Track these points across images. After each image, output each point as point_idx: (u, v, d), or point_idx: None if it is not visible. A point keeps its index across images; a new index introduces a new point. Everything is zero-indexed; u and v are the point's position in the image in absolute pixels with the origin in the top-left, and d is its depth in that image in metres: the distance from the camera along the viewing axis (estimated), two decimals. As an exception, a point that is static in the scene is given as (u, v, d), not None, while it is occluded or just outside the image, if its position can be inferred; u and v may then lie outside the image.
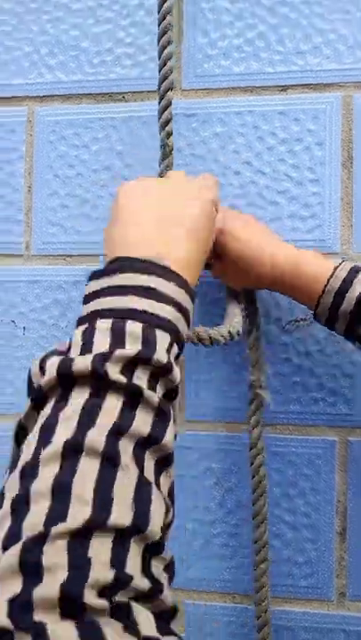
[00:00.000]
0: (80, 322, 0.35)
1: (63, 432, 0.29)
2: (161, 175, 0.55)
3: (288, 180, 0.61)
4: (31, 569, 0.25)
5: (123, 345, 0.32)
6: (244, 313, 0.55)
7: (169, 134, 0.55)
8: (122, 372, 0.31)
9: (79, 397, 0.31)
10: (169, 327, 0.35)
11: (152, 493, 0.30)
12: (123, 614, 0.25)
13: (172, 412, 0.34)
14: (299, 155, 0.61)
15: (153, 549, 0.29)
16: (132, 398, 0.31)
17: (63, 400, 0.31)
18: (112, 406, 0.31)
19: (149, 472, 0.31)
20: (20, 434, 0.33)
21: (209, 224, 0.41)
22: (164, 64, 0.54)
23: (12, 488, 0.29)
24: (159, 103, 0.55)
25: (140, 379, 0.32)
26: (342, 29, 0.60)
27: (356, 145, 0.59)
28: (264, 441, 0.56)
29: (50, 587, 0.25)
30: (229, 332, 0.50)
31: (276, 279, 0.51)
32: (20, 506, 0.28)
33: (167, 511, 0.31)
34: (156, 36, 0.55)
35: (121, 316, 0.34)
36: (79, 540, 0.26)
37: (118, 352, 0.32)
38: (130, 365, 0.32)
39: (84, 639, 0.24)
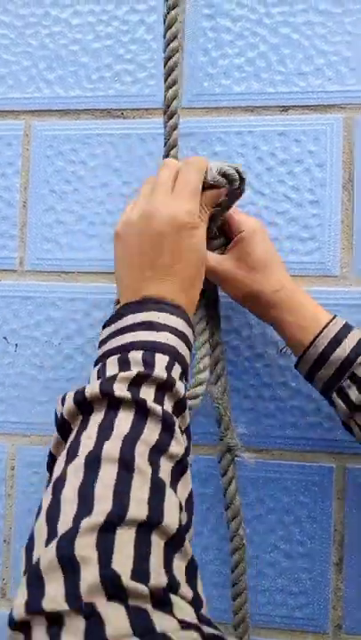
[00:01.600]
0: (95, 364, 0.42)
1: (85, 448, 0.34)
2: None
3: (288, 202, 0.60)
4: (67, 562, 0.28)
5: (128, 369, 0.38)
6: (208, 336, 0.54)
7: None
8: (128, 390, 0.37)
9: (96, 417, 0.36)
10: (167, 349, 0.40)
11: (165, 491, 0.33)
12: (162, 601, 0.28)
13: (176, 422, 0.37)
14: (299, 176, 0.60)
15: (173, 545, 0.32)
16: (141, 411, 0.36)
17: (84, 424, 0.36)
18: (124, 419, 0.36)
19: (165, 474, 0.35)
20: (51, 462, 0.39)
21: (189, 241, 0.44)
22: (170, 87, 0.53)
23: (46, 501, 0.33)
24: (165, 124, 0.54)
25: (147, 393, 0.37)
26: (345, 51, 0.60)
27: (357, 167, 0.59)
28: (235, 469, 0.55)
29: (89, 575, 0.28)
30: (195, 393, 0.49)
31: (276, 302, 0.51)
32: (53, 512, 0.32)
33: (181, 510, 0.34)
34: (156, 53, 0.54)
35: (125, 349, 0.40)
36: (104, 533, 0.30)
37: (121, 374, 0.37)
38: (135, 383, 0.37)
39: (132, 616, 0.26)
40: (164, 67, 0.54)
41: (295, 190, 0.60)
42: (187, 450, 0.38)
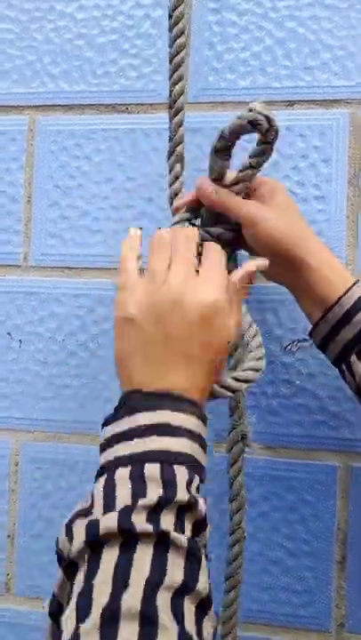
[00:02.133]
0: (99, 474, 0.36)
1: (98, 599, 0.29)
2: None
3: (293, 197, 0.59)
4: None
5: (144, 492, 0.33)
6: None
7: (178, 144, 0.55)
8: (148, 521, 0.32)
9: (110, 557, 0.31)
10: (185, 460, 0.35)
11: None
12: None
13: (202, 550, 0.34)
14: (304, 171, 0.59)
15: None
16: (161, 545, 0.32)
17: (95, 563, 0.31)
18: (143, 559, 0.31)
19: (190, 622, 0.30)
20: (55, 607, 0.33)
21: (220, 332, 0.39)
22: (176, 83, 0.53)
23: None
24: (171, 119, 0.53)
25: (167, 522, 0.32)
26: (351, 46, 0.59)
27: (364, 163, 0.58)
28: (243, 462, 0.53)
29: None
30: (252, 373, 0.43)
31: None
32: None
33: None
34: (162, 49, 0.54)
35: (139, 460, 0.34)
36: None
37: (141, 502, 0.32)
38: (154, 512, 0.32)
39: None
40: (170, 63, 0.53)
41: (300, 186, 0.59)
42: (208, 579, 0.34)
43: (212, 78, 0.61)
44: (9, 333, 0.64)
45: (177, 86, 0.53)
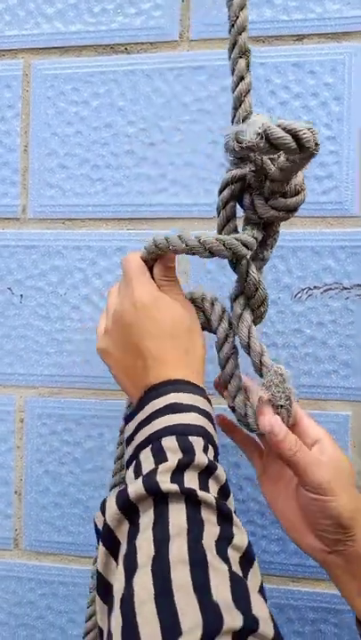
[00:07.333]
0: (128, 464, 0.39)
1: (146, 556, 0.30)
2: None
3: (302, 138, 0.56)
4: None
5: (165, 459, 0.35)
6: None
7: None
8: (172, 481, 0.33)
9: (146, 519, 0.32)
10: (198, 430, 0.37)
11: (248, 590, 0.30)
12: None
13: (231, 510, 0.34)
14: (314, 110, 0.56)
15: None
16: (192, 502, 0.33)
17: (134, 530, 0.33)
18: (177, 515, 0.32)
19: (236, 567, 0.31)
20: (101, 584, 0.34)
21: (155, 314, 0.42)
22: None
23: (117, 627, 0.28)
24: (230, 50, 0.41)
25: (191, 482, 0.34)
26: (365, -29, 0.55)
27: (377, 99, 0.55)
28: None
29: None
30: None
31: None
32: (130, 634, 0.27)
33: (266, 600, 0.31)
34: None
35: (156, 438, 0.37)
36: None
37: (161, 466, 0.34)
38: (177, 473, 0.34)
39: None
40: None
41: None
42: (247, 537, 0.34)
43: (216, 12, 0.58)
44: (9, 289, 0.62)
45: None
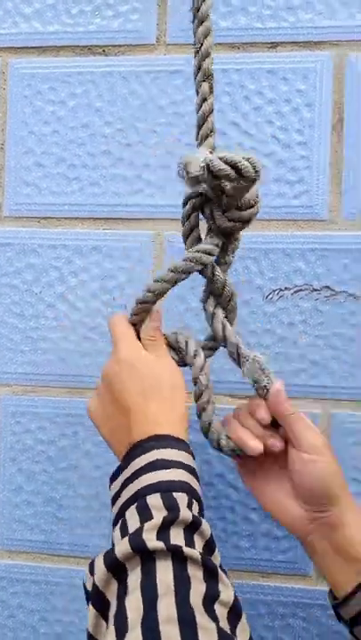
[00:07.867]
0: (114, 523, 0.39)
1: (136, 617, 0.31)
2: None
3: (275, 143, 0.58)
4: None
5: (151, 517, 0.36)
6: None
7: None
8: (158, 538, 0.34)
9: (135, 578, 0.33)
10: (181, 486, 0.38)
11: None
12: None
13: (217, 566, 0.35)
14: (287, 116, 0.58)
15: None
16: (179, 559, 0.34)
17: (122, 589, 0.33)
18: (164, 572, 0.33)
19: (224, 623, 0.33)
20: None
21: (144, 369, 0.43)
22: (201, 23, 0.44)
23: None
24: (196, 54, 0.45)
25: (177, 538, 0.35)
26: (336, -17, 0.57)
27: (348, 107, 0.57)
28: None
29: None
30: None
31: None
32: None
33: None
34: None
35: (142, 494, 0.38)
36: None
37: (147, 524, 0.35)
38: (163, 530, 0.35)
39: None
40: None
41: (283, 131, 0.58)
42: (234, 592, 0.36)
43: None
44: (-16, 286, 0.62)
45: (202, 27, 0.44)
